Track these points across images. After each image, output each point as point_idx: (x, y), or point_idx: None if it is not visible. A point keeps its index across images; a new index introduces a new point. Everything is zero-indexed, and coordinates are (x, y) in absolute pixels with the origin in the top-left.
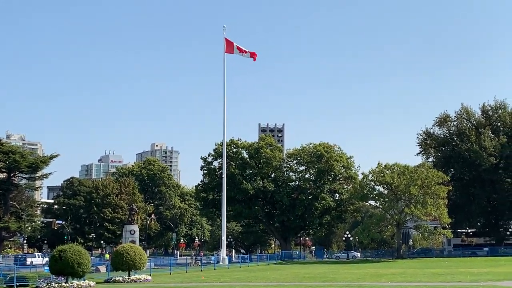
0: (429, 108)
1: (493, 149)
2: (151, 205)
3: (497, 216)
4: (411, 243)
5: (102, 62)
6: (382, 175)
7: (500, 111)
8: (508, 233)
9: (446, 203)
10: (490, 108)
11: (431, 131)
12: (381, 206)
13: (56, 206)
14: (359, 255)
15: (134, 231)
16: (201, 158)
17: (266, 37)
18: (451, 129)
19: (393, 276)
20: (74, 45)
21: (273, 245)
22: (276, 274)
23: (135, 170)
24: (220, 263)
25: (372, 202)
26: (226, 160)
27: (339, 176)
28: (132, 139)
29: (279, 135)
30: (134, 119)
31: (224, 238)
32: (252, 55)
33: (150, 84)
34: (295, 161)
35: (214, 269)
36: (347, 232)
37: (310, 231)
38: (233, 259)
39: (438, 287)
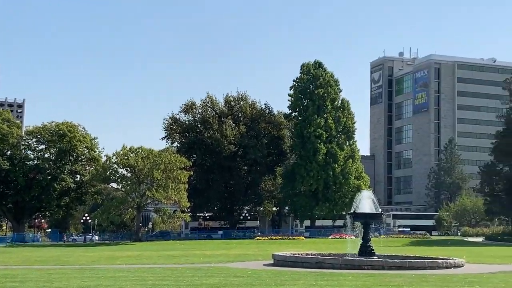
0: (178, 94)
1: (233, 138)
2: None
3: (232, 201)
4: (150, 226)
5: None
6: (126, 158)
7: (241, 102)
8: (241, 217)
9: (187, 187)
10: (232, 99)
11: (178, 117)
12: (123, 189)
13: None
14: (97, 238)
15: None
16: None
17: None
18: (196, 116)
19: (129, 259)
20: None
21: (5, 227)
22: (5, 257)
23: None
24: None
25: (114, 185)
26: None
27: (82, 157)
28: None
29: (19, 110)
30: None
31: None
32: None
33: None
34: (34, 140)
35: None
36: (86, 215)
37: (47, 213)
38: None
39: (171, 269)
